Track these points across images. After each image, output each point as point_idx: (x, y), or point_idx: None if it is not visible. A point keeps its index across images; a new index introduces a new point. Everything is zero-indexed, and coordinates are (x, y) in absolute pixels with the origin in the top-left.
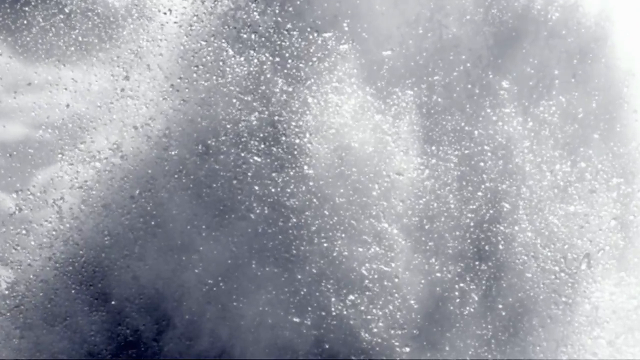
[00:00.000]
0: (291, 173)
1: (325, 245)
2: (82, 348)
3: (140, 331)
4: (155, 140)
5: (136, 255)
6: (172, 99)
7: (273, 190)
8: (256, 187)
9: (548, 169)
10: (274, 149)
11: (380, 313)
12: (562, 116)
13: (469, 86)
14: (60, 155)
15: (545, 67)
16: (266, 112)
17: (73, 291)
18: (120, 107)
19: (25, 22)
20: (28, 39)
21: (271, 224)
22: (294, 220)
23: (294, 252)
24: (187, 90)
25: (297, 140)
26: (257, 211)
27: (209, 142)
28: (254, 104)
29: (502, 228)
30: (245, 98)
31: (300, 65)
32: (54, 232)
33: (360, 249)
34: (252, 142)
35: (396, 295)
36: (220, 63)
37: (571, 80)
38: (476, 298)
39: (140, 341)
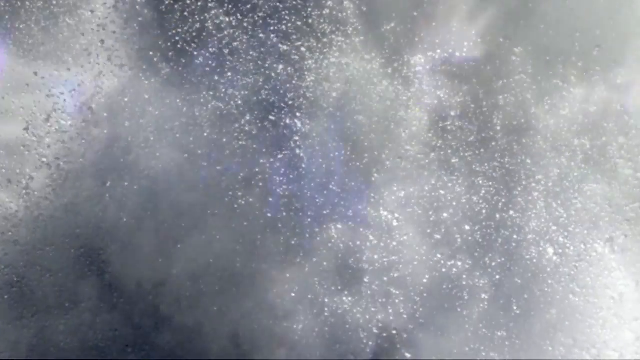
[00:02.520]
0: (280, 156)
1: (319, 238)
2: (51, 347)
3: (114, 332)
4: (131, 115)
5: (110, 250)
6: (149, 65)
7: (260, 177)
8: (241, 174)
9: (565, 145)
10: (264, 126)
11: (381, 311)
12: (582, 93)
13: (481, 58)
14: (25, 131)
15: (564, 38)
16: (258, 82)
17: (44, 283)
18: (93, 72)
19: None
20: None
21: (258, 216)
22: (284, 211)
23: (284, 246)
24: (169, 55)
25: (288, 119)
26: (243, 202)
27: (189, 119)
28: (243, 70)
29: (514, 215)
30: (233, 64)
31: (297, 24)
32: (19, 214)
33: (359, 242)
34: (238, 118)
35: (398, 292)
36: (207, 24)
37: (593, 53)
38: (486, 296)
39: (109, 344)
